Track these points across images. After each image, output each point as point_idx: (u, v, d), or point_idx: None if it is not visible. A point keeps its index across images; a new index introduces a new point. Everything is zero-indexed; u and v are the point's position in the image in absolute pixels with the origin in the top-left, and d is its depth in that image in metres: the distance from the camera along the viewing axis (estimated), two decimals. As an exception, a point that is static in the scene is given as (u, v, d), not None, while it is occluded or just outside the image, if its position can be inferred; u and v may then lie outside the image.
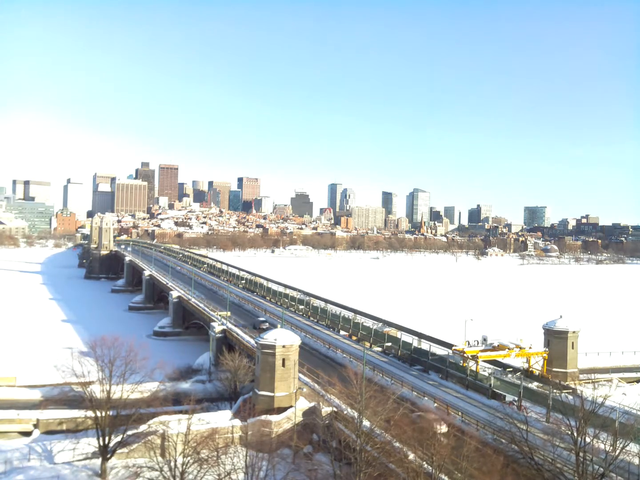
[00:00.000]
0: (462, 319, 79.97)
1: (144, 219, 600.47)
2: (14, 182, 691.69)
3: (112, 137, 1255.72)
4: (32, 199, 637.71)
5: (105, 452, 47.81)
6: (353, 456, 41.01)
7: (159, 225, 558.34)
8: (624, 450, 35.88)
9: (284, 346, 54.23)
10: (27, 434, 58.91)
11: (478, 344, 64.75)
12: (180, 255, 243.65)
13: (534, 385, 59.58)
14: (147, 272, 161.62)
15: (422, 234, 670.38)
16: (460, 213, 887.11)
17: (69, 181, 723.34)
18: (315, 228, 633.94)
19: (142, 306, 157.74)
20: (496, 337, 65.87)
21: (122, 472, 45.99)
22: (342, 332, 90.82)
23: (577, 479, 34.77)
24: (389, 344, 77.55)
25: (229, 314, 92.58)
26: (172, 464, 41.49)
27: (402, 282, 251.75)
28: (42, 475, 46.27)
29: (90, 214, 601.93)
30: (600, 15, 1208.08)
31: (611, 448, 36.86)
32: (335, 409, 51.85)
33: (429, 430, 37.62)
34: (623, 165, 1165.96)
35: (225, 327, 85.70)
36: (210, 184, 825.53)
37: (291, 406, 53.58)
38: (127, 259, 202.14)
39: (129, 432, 48.89)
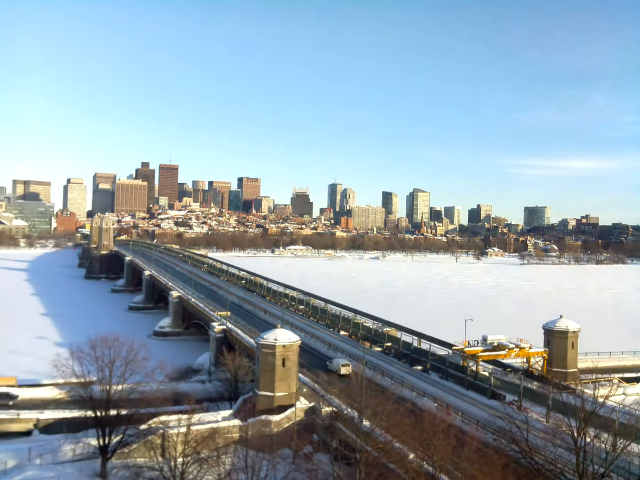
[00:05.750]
0: (462, 319, 79.94)
1: (144, 218, 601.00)
2: (14, 182, 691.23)
3: (112, 137, 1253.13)
4: (32, 199, 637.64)
5: (105, 452, 47.80)
6: (353, 456, 41.00)
7: (159, 225, 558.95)
8: (624, 451, 35.84)
9: (284, 346, 54.19)
10: (27, 434, 58.85)
11: (478, 344, 64.72)
12: (180, 255, 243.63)
13: (534, 385, 59.56)
14: (147, 272, 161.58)
15: (422, 234, 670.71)
16: (460, 213, 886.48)
17: (69, 181, 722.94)
18: (315, 228, 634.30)
19: (142, 306, 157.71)
20: (496, 337, 65.84)
21: (122, 472, 45.88)
22: (342, 332, 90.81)
23: (578, 479, 34.74)
24: (389, 344, 77.57)
25: (229, 313, 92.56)
26: (172, 464, 41.48)
27: (402, 282, 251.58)
28: (42, 475, 46.21)
29: (90, 214, 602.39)
30: (599, 14, 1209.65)
31: (612, 448, 36.82)
32: (335, 409, 51.87)
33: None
34: (623, 165, 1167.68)
35: (225, 327, 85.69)
36: (210, 184, 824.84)
37: (291, 406, 53.54)
38: (127, 259, 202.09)
39: (129, 432, 48.85)
